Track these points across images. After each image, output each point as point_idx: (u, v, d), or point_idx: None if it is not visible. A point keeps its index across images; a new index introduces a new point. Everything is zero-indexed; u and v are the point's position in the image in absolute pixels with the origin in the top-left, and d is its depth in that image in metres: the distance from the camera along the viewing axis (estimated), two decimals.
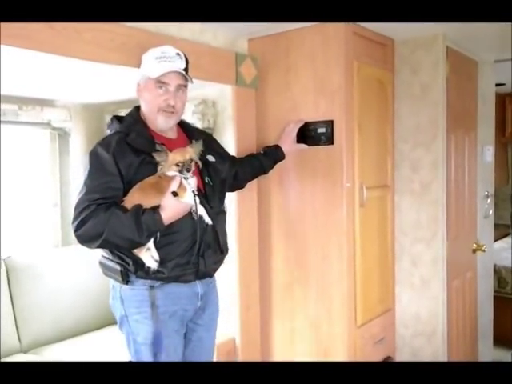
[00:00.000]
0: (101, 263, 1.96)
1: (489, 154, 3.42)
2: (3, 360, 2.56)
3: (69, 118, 3.11)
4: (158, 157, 1.80)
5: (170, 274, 1.85)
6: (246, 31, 2.59)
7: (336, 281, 2.49)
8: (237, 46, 2.65)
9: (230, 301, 2.56)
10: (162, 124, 1.92)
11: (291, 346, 2.67)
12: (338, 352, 2.50)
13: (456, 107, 2.90)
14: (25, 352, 2.70)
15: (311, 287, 2.58)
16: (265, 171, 2.43)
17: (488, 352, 3.52)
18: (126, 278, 1.85)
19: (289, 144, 2.49)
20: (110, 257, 1.89)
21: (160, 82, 1.87)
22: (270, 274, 2.72)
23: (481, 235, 3.34)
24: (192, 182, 1.84)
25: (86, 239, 1.75)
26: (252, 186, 2.62)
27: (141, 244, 1.77)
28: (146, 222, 1.73)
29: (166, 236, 1.82)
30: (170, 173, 1.80)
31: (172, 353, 1.90)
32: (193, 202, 1.84)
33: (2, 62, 1.88)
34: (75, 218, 1.74)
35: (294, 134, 2.51)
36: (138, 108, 1.98)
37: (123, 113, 3.17)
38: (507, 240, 4.99)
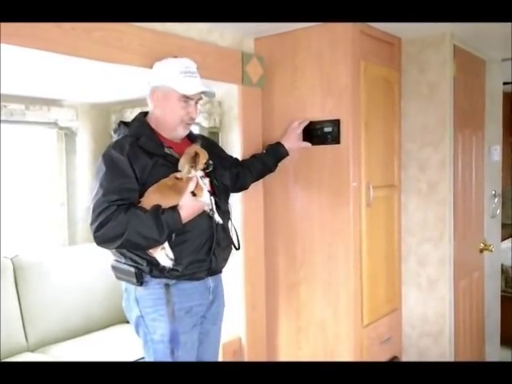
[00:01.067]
0: (113, 267, 2.00)
1: (496, 153, 3.40)
2: (11, 359, 2.57)
3: (75, 118, 3.12)
4: (197, 159, 1.87)
5: (184, 271, 1.91)
6: (253, 30, 2.58)
7: (342, 280, 2.48)
8: (243, 46, 2.64)
9: (236, 300, 2.56)
10: (180, 133, 2.01)
11: (297, 345, 2.67)
12: (344, 352, 2.49)
13: (463, 106, 2.89)
14: (32, 351, 2.71)
15: (317, 287, 2.57)
16: (270, 169, 2.46)
17: (495, 352, 3.50)
18: (140, 279, 1.90)
19: (292, 141, 2.50)
20: (123, 260, 1.93)
21: (185, 97, 1.95)
22: (276, 273, 2.72)
23: (488, 235, 3.32)
24: (207, 182, 1.93)
25: (106, 240, 1.79)
26: (258, 185, 2.62)
27: (160, 242, 1.81)
28: (167, 220, 1.78)
29: (181, 235, 1.87)
30: (192, 174, 1.87)
31: (190, 349, 1.96)
32: (209, 201, 1.92)
33: (10, 62, 1.89)
34: (94, 220, 1.77)
35: (298, 132, 2.52)
36: (144, 114, 2.05)
37: (129, 112, 3.21)
38: None
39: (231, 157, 2.37)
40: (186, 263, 1.90)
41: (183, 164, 1.88)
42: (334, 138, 2.46)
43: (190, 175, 1.87)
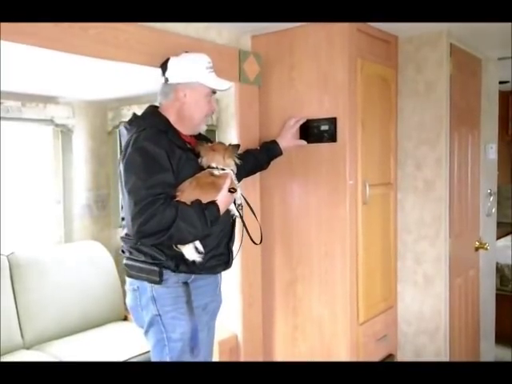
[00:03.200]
0: (128, 265, 1.97)
1: (492, 151, 3.42)
2: (6, 356, 2.57)
3: (72, 115, 3.12)
4: (232, 151, 2.00)
5: (206, 265, 1.94)
6: (250, 28, 2.58)
7: (338, 278, 2.49)
8: (240, 43, 2.64)
9: (232, 298, 2.57)
10: (202, 128, 2.09)
11: (293, 343, 2.67)
12: (340, 349, 2.50)
13: (460, 105, 2.89)
14: (28, 348, 2.71)
15: (314, 284, 2.58)
16: (262, 167, 2.48)
17: (490, 350, 3.52)
18: (162, 277, 1.88)
19: (287, 140, 2.50)
20: (142, 257, 1.91)
21: (212, 92, 2.02)
22: (273, 271, 2.72)
23: (483, 233, 3.34)
24: (236, 179, 2.02)
25: (150, 234, 1.77)
26: (255, 183, 2.62)
27: (202, 237, 1.86)
28: (210, 215, 1.83)
29: None
30: (226, 169, 1.96)
31: (205, 346, 2.00)
32: (240, 196, 2.02)
33: (6, 59, 1.89)
34: (139, 214, 1.74)
35: (294, 130, 2.52)
36: (156, 107, 2.04)
37: (125, 110, 3.21)
38: (510, 238, 4.97)
39: None
40: (208, 257, 1.93)
41: (218, 158, 1.95)
42: (331, 136, 2.46)
43: (226, 170, 1.95)
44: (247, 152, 2.44)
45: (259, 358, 2.74)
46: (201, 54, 2.02)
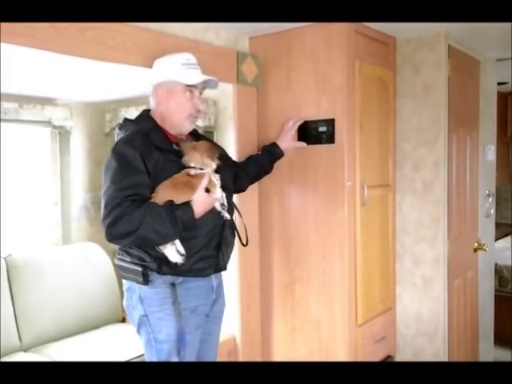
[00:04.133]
0: (118, 266, 1.99)
1: (490, 153, 3.42)
2: (4, 359, 2.56)
3: (70, 117, 3.11)
4: (212, 151, 1.93)
5: (193, 267, 1.91)
6: (248, 30, 2.58)
7: (337, 280, 2.48)
8: (238, 45, 2.64)
9: (230, 299, 2.56)
10: (187, 128, 2.01)
11: (292, 345, 2.67)
12: (339, 351, 2.50)
13: (458, 106, 2.89)
14: (25, 351, 2.69)
15: (312, 286, 2.57)
16: (266, 171, 2.46)
17: (489, 351, 3.51)
18: (146, 278, 1.88)
19: (287, 141, 2.49)
20: (128, 258, 1.92)
21: (190, 88, 1.96)
22: (271, 273, 2.72)
23: (482, 234, 3.33)
24: (218, 178, 1.94)
25: (118, 236, 1.78)
26: (253, 185, 2.62)
27: (173, 238, 1.82)
28: (180, 216, 1.79)
29: (191, 230, 1.87)
30: (205, 167, 1.89)
31: (193, 349, 1.96)
32: (221, 197, 1.95)
33: (4, 60, 1.88)
34: (107, 216, 1.76)
35: (293, 132, 2.52)
36: (148, 111, 2.04)
37: (123, 111, 3.20)
38: (509, 239, 4.98)
39: (230, 158, 2.37)
40: (195, 259, 1.90)
41: (197, 157, 1.90)
42: (329, 138, 2.46)
43: (204, 169, 1.88)
44: (249, 158, 2.45)
45: (258, 360, 2.73)
46: (182, 53, 1.99)
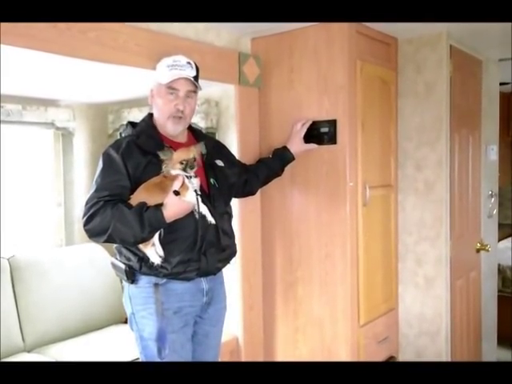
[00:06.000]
0: (112, 263, 2.04)
1: (493, 153, 3.41)
2: (7, 359, 2.57)
3: (72, 118, 3.12)
4: (162, 155, 1.86)
5: (173, 270, 1.91)
6: (250, 30, 2.58)
7: (339, 280, 2.48)
8: (240, 46, 2.64)
9: (233, 300, 2.56)
10: (171, 129, 1.99)
11: (294, 345, 2.67)
12: (341, 351, 2.50)
13: (460, 106, 2.89)
14: (29, 351, 2.70)
15: (314, 286, 2.57)
16: (277, 174, 2.46)
17: (492, 351, 3.50)
18: (131, 277, 1.95)
19: (297, 144, 2.47)
20: (118, 257, 1.99)
21: (171, 88, 1.95)
22: (273, 273, 2.72)
23: (485, 235, 3.33)
24: (195, 182, 1.89)
25: (93, 234, 1.84)
26: None
27: (143, 240, 1.83)
28: (149, 218, 1.79)
29: (170, 234, 1.89)
30: (174, 172, 1.86)
31: (179, 349, 1.96)
32: (195, 201, 1.88)
33: (7, 62, 1.89)
34: (84, 214, 1.84)
35: (302, 134, 2.49)
36: (151, 114, 2.06)
37: (126, 113, 3.21)
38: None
39: (239, 162, 2.36)
40: (174, 262, 1.91)
41: (175, 165, 1.87)
42: (331, 138, 2.46)
43: (173, 172, 1.85)
44: (260, 162, 2.45)
45: (260, 360, 2.73)
46: (175, 55, 1.98)
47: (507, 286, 4.19)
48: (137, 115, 3.09)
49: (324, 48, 2.46)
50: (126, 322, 3.14)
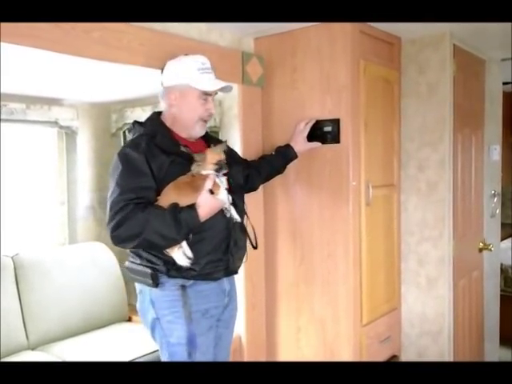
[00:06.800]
0: (128, 268, 1.97)
1: (496, 153, 3.41)
2: (11, 357, 2.58)
3: (76, 117, 3.14)
4: (197, 157, 1.85)
5: (202, 271, 1.88)
6: (253, 30, 2.59)
7: (342, 279, 2.49)
8: (243, 45, 2.65)
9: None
10: (198, 131, 2.00)
11: (297, 344, 2.68)
12: (344, 351, 2.50)
13: (463, 106, 2.89)
14: (32, 349, 2.72)
15: (317, 286, 2.58)
16: (278, 171, 2.45)
17: (494, 351, 3.50)
18: (156, 281, 1.86)
19: (300, 143, 2.47)
20: (138, 261, 1.91)
21: (205, 94, 1.95)
22: (276, 272, 2.72)
23: (487, 234, 3.33)
24: (224, 181, 1.90)
25: (123, 239, 1.76)
26: None
27: (176, 242, 1.80)
28: (185, 219, 1.76)
29: (198, 233, 1.85)
30: (206, 172, 1.85)
31: (206, 352, 1.93)
32: (226, 199, 1.89)
33: (11, 61, 1.90)
34: (111, 219, 1.75)
35: (306, 134, 2.48)
36: (158, 113, 2.04)
37: (129, 112, 3.22)
38: None
39: (241, 158, 2.36)
40: (203, 263, 1.87)
41: (208, 167, 1.87)
42: (334, 138, 2.46)
43: (203, 172, 1.85)
44: (262, 158, 2.45)
45: (262, 360, 2.74)
46: (197, 56, 1.99)
47: (509, 285, 4.18)
48: (140, 114, 3.10)
49: (327, 47, 2.46)
50: (129, 320, 3.18)
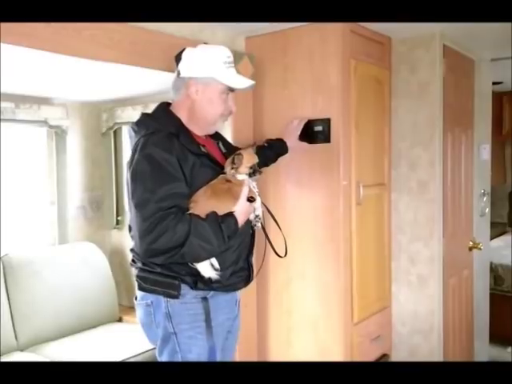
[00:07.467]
0: (142, 277, 1.78)
1: (485, 152, 3.43)
2: (1, 358, 2.56)
3: (66, 116, 3.12)
4: (237, 159, 1.75)
5: (227, 282, 1.78)
6: (244, 29, 2.59)
7: (333, 278, 2.49)
8: (234, 44, 2.64)
9: None
10: (216, 128, 1.90)
11: (288, 343, 2.68)
12: (335, 349, 2.51)
13: (453, 106, 2.91)
14: (22, 350, 2.70)
15: (308, 285, 2.58)
16: (266, 164, 2.36)
17: (484, 349, 3.53)
18: (179, 292, 1.72)
19: (292, 141, 2.45)
20: (158, 269, 1.72)
21: (229, 89, 1.84)
22: (267, 271, 2.72)
23: (477, 233, 3.35)
24: (256, 186, 1.82)
25: (161, 252, 1.60)
26: None
27: (218, 253, 1.68)
28: (227, 229, 1.66)
29: None
30: (240, 176, 1.76)
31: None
32: (260, 207, 1.82)
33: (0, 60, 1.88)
34: (148, 231, 1.57)
35: (298, 132, 2.47)
36: (166, 104, 1.87)
37: (119, 111, 3.20)
38: (504, 238, 5.01)
39: (235, 147, 2.21)
40: (228, 273, 1.77)
41: (226, 165, 1.77)
42: (325, 137, 2.46)
43: (238, 177, 1.74)
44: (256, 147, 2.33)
45: (254, 359, 2.73)
46: (220, 47, 1.86)
47: (499, 284, 4.22)
48: (131, 114, 3.09)
49: (318, 47, 2.46)
50: (120, 320, 3.16)
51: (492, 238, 4.09)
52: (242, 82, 1.86)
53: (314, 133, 2.49)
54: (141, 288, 1.78)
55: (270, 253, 2.70)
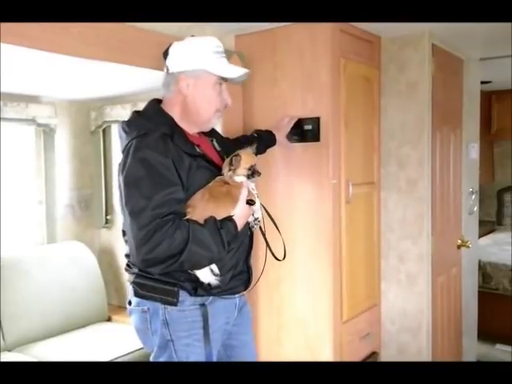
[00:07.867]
0: (138, 283, 1.71)
1: (474, 151, 3.45)
2: None
3: (54, 115, 3.09)
4: (235, 160, 1.68)
5: (227, 286, 1.74)
6: (233, 28, 2.58)
7: (322, 277, 2.49)
8: (224, 42, 2.61)
9: None
10: (211, 125, 1.81)
11: (278, 342, 2.68)
12: (324, 347, 2.51)
13: (442, 105, 2.92)
14: (10, 350, 2.68)
15: (297, 284, 2.58)
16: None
17: (472, 347, 3.56)
18: (178, 298, 1.66)
19: (281, 138, 2.43)
20: (155, 276, 1.66)
21: (222, 79, 1.74)
22: (257, 269, 2.71)
23: (465, 231, 3.37)
24: (255, 188, 1.76)
25: (159, 262, 1.53)
26: None
27: (218, 260, 1.64)
28: (227, 234, 1.61)
29: None
30: (238, 178, 1.70)
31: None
32: (259, 210, 1.76)
33: None
34: (145, 240, 1.50)
35: (288, 129, 2.46)
36: (157, 102, 1.78)
37: (108, 109, 3.18)
38: (492, 236, 5.06)
39: (228, 139, 2.17)
40: (228, 277, 1.73)
41: (224, 167, 1.71)
42: (314, 136, 2.46)
43: (236, 179, 1.68)
44: (246, 137, 2.30)
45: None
46: (208, 37, 1.77)
47: (487, 282, 4.25)
48: (120, 112, 3.07)
49: (307, 45, 2.46)
50: (109, 320, 3.15)
51: (480, 236, 4.12)
52: (236, 71, 1.76)
53: (304, 131, 2.49)
54: (137, 294, 1.72)
55: (260, 250, 2.70)
